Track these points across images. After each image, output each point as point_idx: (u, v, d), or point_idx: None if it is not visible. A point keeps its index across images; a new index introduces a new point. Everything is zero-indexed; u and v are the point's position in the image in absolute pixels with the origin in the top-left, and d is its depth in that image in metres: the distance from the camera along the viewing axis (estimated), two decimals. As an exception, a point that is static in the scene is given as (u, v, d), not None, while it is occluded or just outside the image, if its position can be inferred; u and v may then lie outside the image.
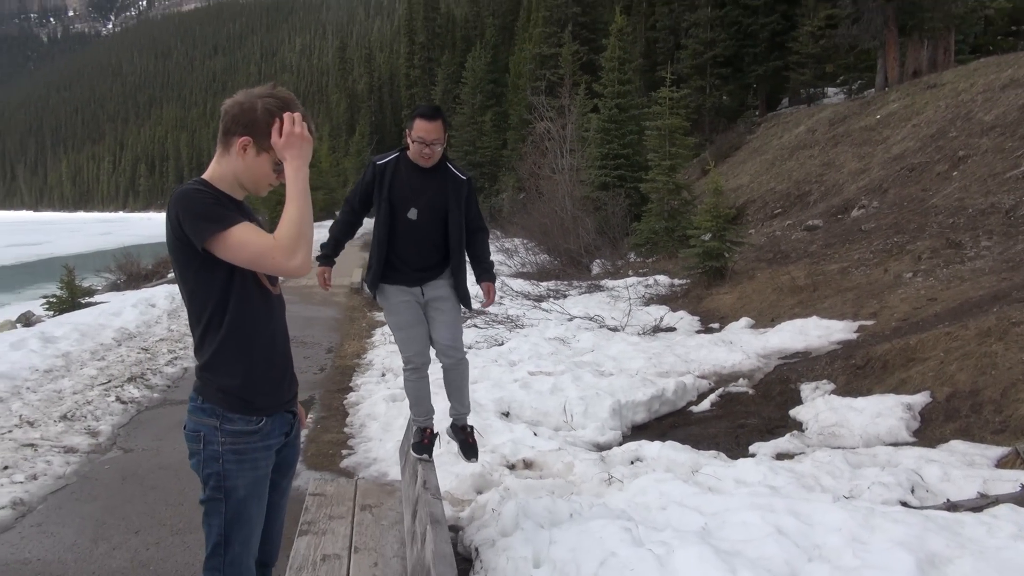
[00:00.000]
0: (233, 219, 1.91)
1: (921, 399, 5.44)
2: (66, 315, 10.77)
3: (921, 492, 4.14)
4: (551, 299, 11.50)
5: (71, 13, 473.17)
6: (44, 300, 12.94)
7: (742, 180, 19.83)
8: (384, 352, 8.62)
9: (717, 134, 28.87)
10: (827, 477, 4.29)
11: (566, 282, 13.81)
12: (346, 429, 5.94)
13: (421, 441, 3.76)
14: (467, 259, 3.73)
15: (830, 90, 31.25)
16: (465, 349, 3.79)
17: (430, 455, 3.75)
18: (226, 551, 2.05)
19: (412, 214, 3.50)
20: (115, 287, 18.08)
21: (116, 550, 3.87)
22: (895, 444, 4.94)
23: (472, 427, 3.94)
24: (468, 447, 3.87)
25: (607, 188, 18.97)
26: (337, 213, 3.90)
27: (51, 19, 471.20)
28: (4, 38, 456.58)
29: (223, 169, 2.03)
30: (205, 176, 2.04)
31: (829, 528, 3.38)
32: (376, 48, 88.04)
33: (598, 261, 16.67)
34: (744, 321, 8.63)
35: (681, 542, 3.18)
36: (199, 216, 1.89)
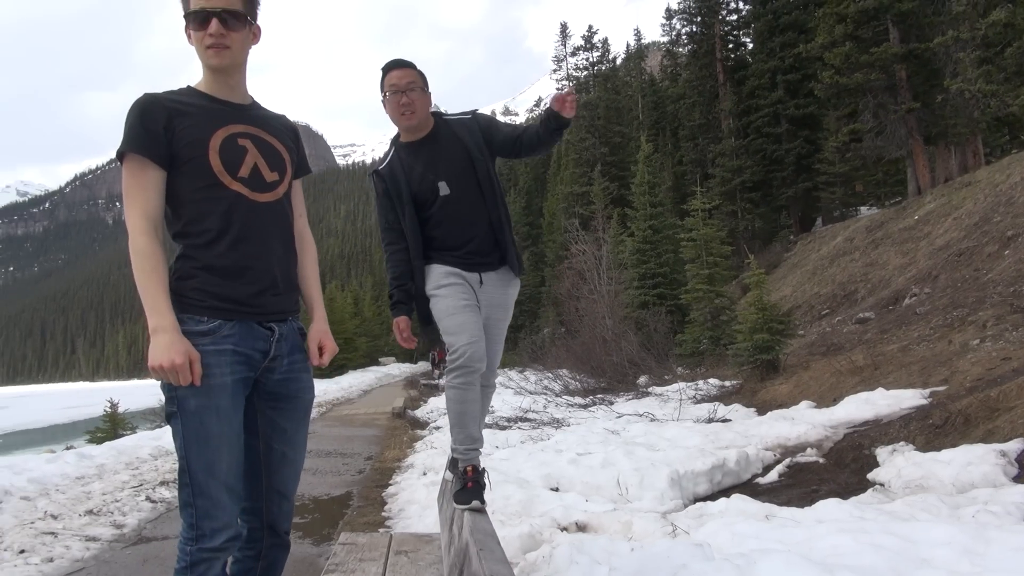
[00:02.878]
0: (145, 148, 1.83)
1: (1016, 445, 4.88)
2: (107, 443, 10.64)
3: (1036, 522, 3.59)
4: (598, 405, 11.06)
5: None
6: (88, 435, 12.90)
7: (784, 292, 19.54)
8: (425, 456, 8.22)
9: (754, 256, 28.88)
10: (923, 514, 3.77)
11: (613, 393, 13.36)
12: (383, 513, 5.53)
13: (464, 486, 2.81)
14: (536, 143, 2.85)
15: (862, 209, 31.42)
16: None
17: (482, 499, 2.75)
18: (191, 478, 1.78)
19: (443, 189, 2.90)
20: (159, 428, 18.06)
21: (128, 618, 3.49)
22: (994, 487, 4.37)
23: (484, 469, 2.92)
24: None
25: (647, 307, 18.84)
26: (385, 259, 3.15)
27: (117, 203, 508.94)
28: (74, 223, 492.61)
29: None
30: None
31: (935, 543, 2.92)
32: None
33: (644, 377, 16.21)
34: (804, 404, 8.09)
35: (764, 555, 2.74)
36: (125, 128, 1.87)
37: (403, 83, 2.84)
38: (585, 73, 44.81)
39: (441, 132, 2.97)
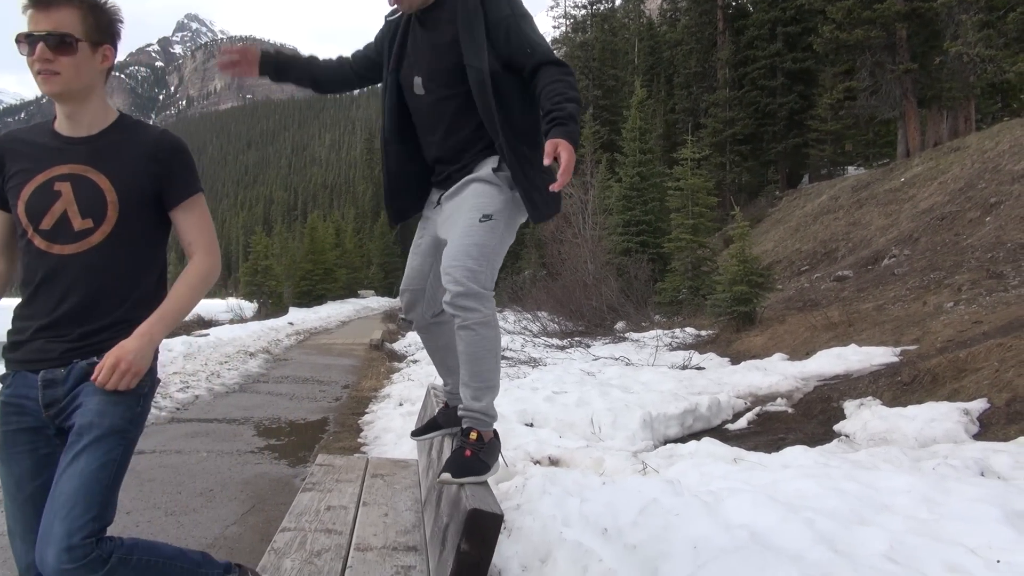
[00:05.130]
0: None
1: (979, 405, 5.04)
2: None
3: (992, 477, 3.72)
4: (575, 347, 11.18)
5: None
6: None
7: (766, 246, 19.65)
8: (402, 387, 8.30)
9: (739, 208, 28.93)
10: (885, 464, 3.89)
11: (590, 337, 13.50)
12: (359, 440, 5.61)
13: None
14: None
15: (850, 168, 31.46)
16: (483, 289, 2.14)
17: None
18: None
19: (418, 86, 2.29)
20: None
21: (104, 526, 3.55)
22: (955, 443, 4.52)
23: (480, 436, 2.19)
24: (460, 461, 2.11)
25: (629, 254, 18.88)
26: None
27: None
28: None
29: None
30: None
31: (896, 491, 3.02)
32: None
33: (622, 323, 16.37)
34: (778, 356, 8.23)
35: (731, 493, 2.83)
36: None
37: None
38: (583, 12, 43.77)
39: (444, 9, 2.26)
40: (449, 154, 2.33)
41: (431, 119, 2.32)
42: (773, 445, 5.18)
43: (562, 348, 10.99)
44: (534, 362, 9.42)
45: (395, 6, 2.30)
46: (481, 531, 1.71)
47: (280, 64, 2.45)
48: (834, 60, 23.85)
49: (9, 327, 1.86)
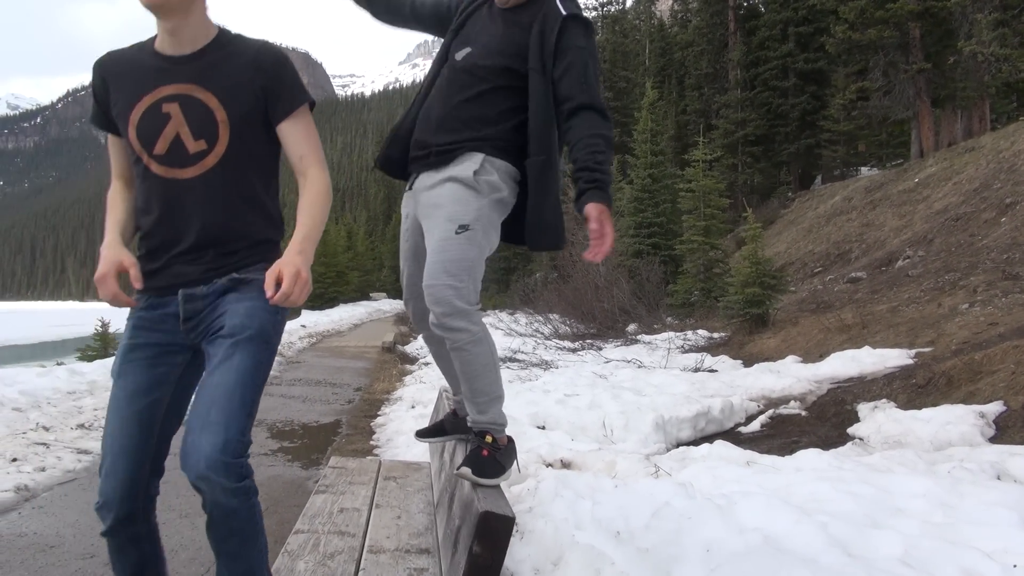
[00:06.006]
0: (97, 121, 1.88)
1: (995, 408, 4.98)
2: (98, 361, 10.71)
3: (1009, 481, 3.69)
4: (587, 350, 11.17)
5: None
6: (79, 353, 12.97)
7: (779, 248, 19.56)
8: (414, 389, 8.33)
9: (751, 210, 28.80)
10: (900, 467, 3.86)
11: (602, 339, 13.48)
12: (372, 442, 5.64)
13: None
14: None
15: (863, 169, 31.26)
16: (468, 306, 2.09)
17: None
18: None
19: (461, 54, 2.24)
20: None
21: (120, 528, 3.58)
22: (971, 446, 4.48)
23: (496, 440, 2.23)
24: (478, 459, 2.11)
25: (641, 256, 18.85)
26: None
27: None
28: (65, 140, 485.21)
29: None
30: None
31: (911, 495, 3.00)
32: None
33: (633, 325, 16.34)
34: (791, 358, 8.19)
35: (744, 496, 2.82)
36: None
37: None
38: (594, 14, 43.71)
39: (530, 9, 2.19)
40: (433, 135, 2.23)
41: (452, 87, 2.24)
42: (786, 448, 5.15)
43: (574, 350, 10.99)
44: (546, 364, 9.42)
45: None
46: (493, 533, 1.72)
47: None
48: (847, 60, 23.72)
49: (136, 258, 1.83)
